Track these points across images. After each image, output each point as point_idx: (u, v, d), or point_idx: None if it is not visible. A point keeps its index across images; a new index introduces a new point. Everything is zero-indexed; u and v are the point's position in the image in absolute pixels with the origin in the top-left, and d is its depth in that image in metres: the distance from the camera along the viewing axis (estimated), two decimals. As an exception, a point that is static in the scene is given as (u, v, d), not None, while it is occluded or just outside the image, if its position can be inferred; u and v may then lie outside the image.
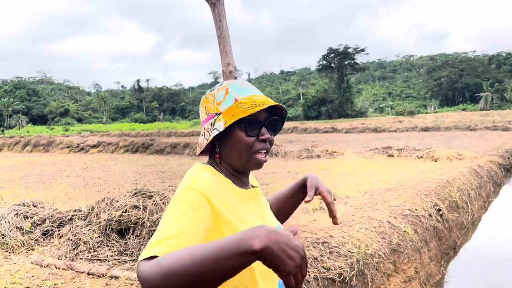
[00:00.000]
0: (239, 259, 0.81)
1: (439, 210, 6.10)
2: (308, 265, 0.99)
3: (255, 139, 1.14)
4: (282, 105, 1.19)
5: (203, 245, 0.84)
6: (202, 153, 1.23)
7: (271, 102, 1.13)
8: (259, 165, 1.17)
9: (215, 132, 1.12)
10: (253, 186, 1.27)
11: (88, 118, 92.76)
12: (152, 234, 3.83)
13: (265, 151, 1.16)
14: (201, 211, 1.01)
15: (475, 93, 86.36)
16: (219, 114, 1.13)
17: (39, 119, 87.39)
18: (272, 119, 1.17)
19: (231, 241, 0.82)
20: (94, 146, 21.49)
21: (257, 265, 1.07)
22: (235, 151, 1.14)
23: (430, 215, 5.70)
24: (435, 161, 10.91)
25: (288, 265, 0.81)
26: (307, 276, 3.30)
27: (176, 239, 0.92)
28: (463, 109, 74.84)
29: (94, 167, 13.65)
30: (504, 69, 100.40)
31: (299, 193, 1.42)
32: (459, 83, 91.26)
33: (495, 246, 6.34)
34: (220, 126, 1.11)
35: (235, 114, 1.11)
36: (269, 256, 0.81)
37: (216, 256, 0.81)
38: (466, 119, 38.62)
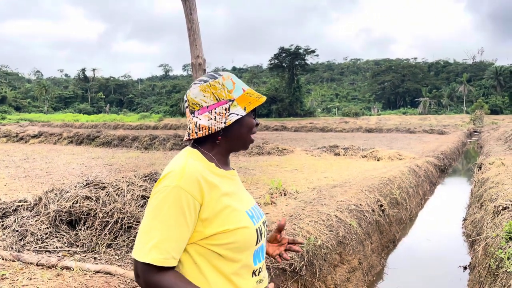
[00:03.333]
0: None
1: (381, 205, 6.49)
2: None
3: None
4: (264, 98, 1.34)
5: None
6: (190, 139, 1.29)
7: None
8: (250, 143, 1.33)
9: (235, 117, 1.23)
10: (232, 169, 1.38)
11: (27, 106, 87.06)
12: (105, 225, 3.80)
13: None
14: (189, 211, 1.13)
15: (415, 98, 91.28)
16: (233, 100, 1.24)
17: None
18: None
19: None
20: (34, 136, 20.35)
21: (231, 245, 1.17)
22: (243, 133, 1.29)
23: (373, 210, 6.05)
24: (378, 160, 11.52)
25: None
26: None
27: (167, 243, 1.09)
28: (404, 113, 78.80)
29: (35, 158, 12.98)
30: (441, 76, 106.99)
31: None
32: (400, 87, 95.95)
33: (430, 240, 6.86)
34: (239, 111, 1.24)
35: (251, 102, 1.25)
36: None
37: None
38: (406, 122, 40.90)
